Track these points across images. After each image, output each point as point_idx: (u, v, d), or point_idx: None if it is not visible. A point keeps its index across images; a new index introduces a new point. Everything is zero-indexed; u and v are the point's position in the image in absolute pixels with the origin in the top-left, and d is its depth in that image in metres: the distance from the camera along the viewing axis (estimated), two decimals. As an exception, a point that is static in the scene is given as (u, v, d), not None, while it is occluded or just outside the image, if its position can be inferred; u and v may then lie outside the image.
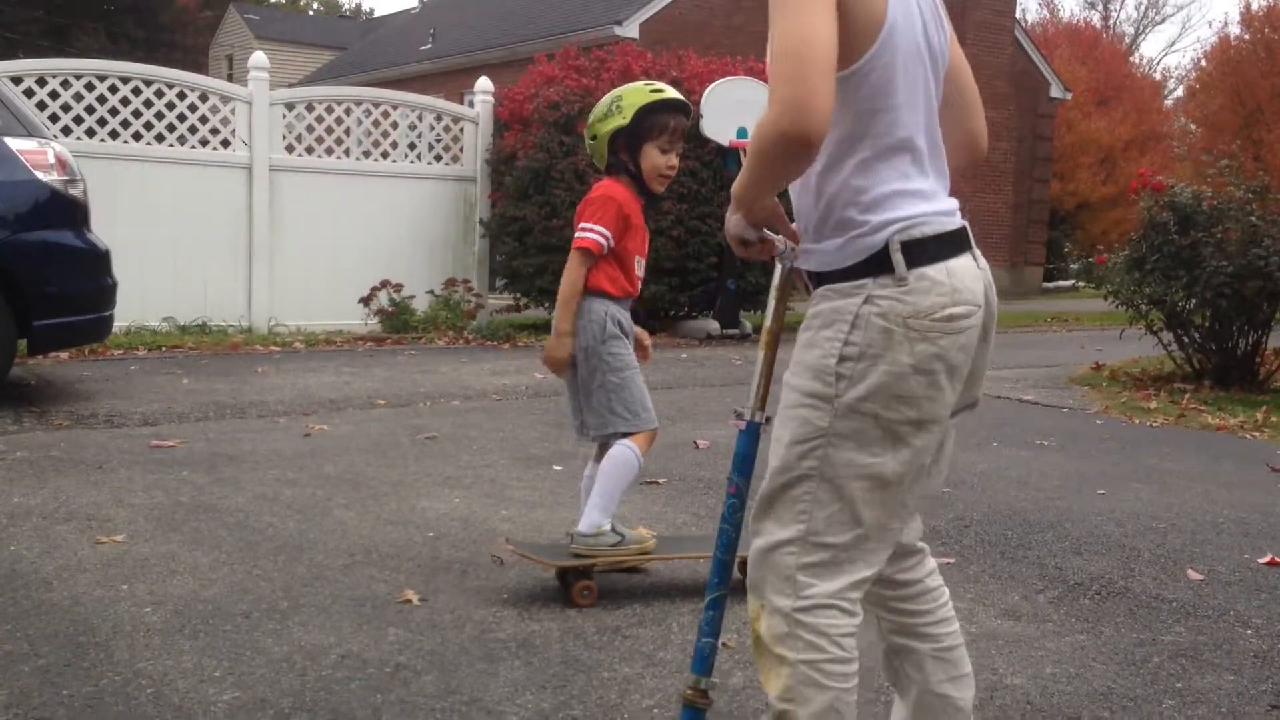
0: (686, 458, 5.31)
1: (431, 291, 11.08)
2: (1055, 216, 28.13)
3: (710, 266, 11.51)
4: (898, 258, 1.76)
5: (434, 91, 16.12)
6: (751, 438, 1.99)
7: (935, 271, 1.78)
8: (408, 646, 2.84)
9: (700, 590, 3.23)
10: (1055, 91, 24.56)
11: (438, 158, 11.78)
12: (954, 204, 1.88)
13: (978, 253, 1.90)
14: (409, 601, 3.16)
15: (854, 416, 1.78)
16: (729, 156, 11.24)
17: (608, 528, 3.28)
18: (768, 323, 2.04)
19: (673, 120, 3.32)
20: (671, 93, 3.31)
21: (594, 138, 3.35)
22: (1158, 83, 42.06)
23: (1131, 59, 41.39)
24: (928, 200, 1.82)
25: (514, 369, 8.63)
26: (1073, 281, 25.46)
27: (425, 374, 8.15)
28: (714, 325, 11.43)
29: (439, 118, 11.79)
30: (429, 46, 24.84)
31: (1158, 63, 56.43)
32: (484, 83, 12.17)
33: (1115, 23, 47.96)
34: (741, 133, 11.03)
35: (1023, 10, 49.15)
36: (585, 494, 3.40)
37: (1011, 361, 10.08)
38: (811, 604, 1.82)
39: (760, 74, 11.85)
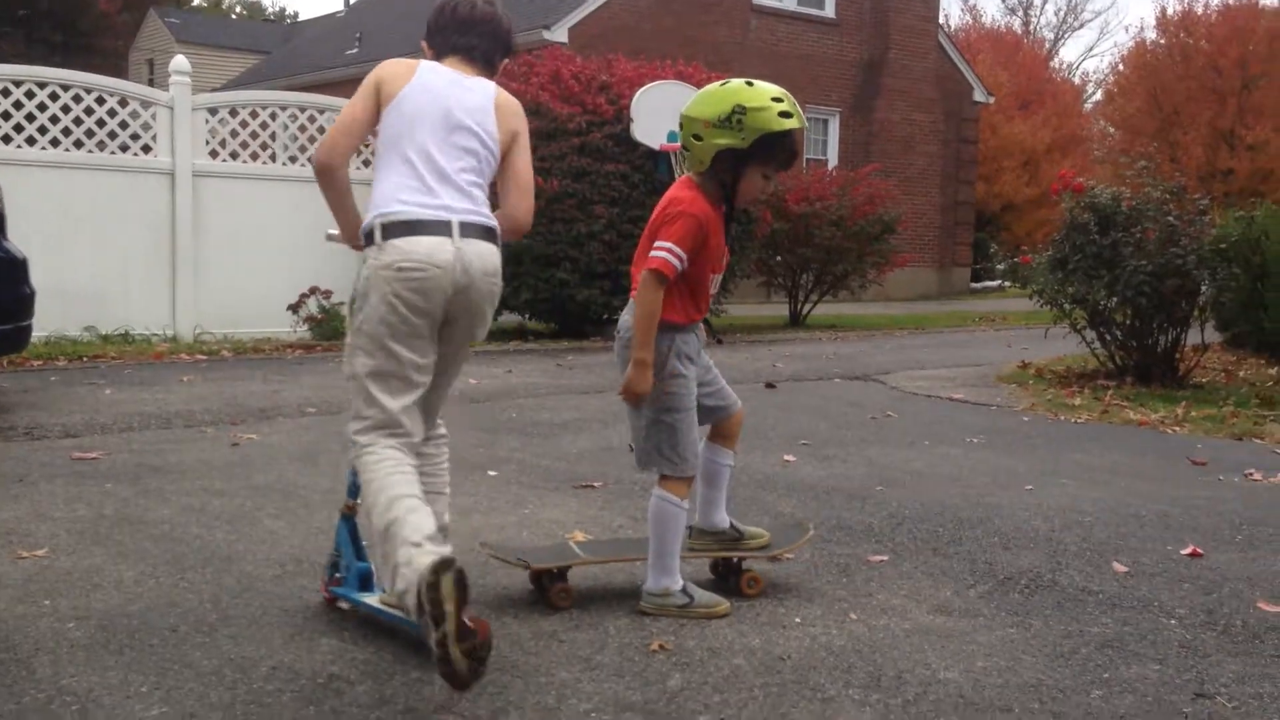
0: (622, 461, 5.31)
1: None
2: (981, 218, 28.60)
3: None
4: (377, 234, 2.78)
5: (361, 96, 15.91)
6: None
7: (400, 242, 2.76)
8: (340, 656, 2.80)
9: (636, 593, 3.23)
10: (979, 96, 24.96)
11: (366, 163, 11.66)
12: (444, 204, 2.81)
13: (463, 240, 2.79)
14: (342, 611, 3.12)
15: (359, 334, 2.83)
16: (660, 160, 11.27)
17: (676, 589, 3.11)
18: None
19: (789, 148, 3.06)
20: (799, 119, 3.02)
21: (697, 137, 3.05)
22: (1078, 87, 43.01)
23: (1052, 64, 42.23)
24: (414, 202, 2.80)
25: (446, 375, 8.56)
26: (999, 282, 25.87)
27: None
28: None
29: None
30: (355, 51, 24.61)
31: (1077, 67, 57.60)
32: (412, 87, 12.06)
33: (1036, 28, 48.97)
34: (672, 136, 11.06)
35: (946, 16, 50.01)
36: (702, 478, 3.30)
37: (941, 361, 10.23)
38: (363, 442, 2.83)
39: (689, 77, 11.91)
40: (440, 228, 2.77)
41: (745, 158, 3.04)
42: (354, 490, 3.01)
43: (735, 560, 3.43)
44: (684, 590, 3.13)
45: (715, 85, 3.10)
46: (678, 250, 3.01)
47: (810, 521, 4.03)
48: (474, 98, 2.95)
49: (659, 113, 10.98)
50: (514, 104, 3.03)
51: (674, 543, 3.14)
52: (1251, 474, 5.31)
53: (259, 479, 4.78)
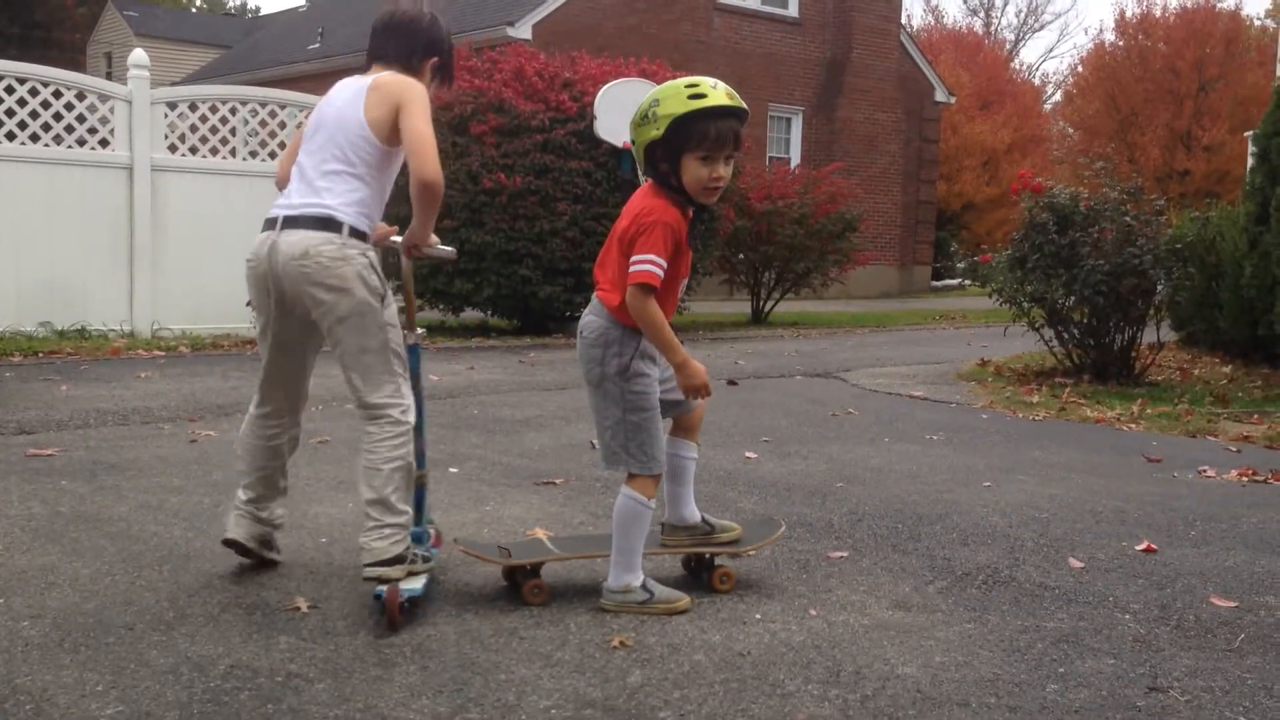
0: (583, 458, 5.31)
1: (322, 294, 10.87)
2: (942, 217, 28.84)
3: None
4: None
5: (323, 91, 15.81)
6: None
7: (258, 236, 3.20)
8: (299, 654, 2.78)
9: (597, 590, 3.24)
10: (940, 96, 25.16)
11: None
12: (289, 203, 3.19)
13: (279, 233, 3.14)
14: (299, 609, 3.10)
15: None
16: (623, 157, 11.27)
17: (637, 584, 3.13)
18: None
19: (714, 128, 3.01)
20: (715, 96, 3.00)
21: (632, 142, 3.10)
22: (1038, 88, 43.42)
23: (1012, 64, 42.64)
24: (281, 201, 3.23)
25: (408, 372, 8.52)
26: (959, 280, 26.12)
27: (317, 377, 7.96)
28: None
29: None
30: (317, 45, 24.44)
31: (1037, 68, 58.13)
32: (375, 82, 12.00)
33: (996, 29, 49.40)
34: (635, 134, 11.06)
35: (908, 16, 50.32)
36: (667, 473, 3.30)
37: (902, 358, 10.30)
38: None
39: (653, 75, 11.91)
40: (270, 224, 3.19)
41: (670, 147, 3.03)
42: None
43: (707, 556, 3.44)
44: (644, 586, 3.15)
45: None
46: (658, 260, 3.01)
47: (780, 517, 4.05)
48: (346, 94, 3.26)
49: (622, 110, 10.96)
50: (394, 82, 3.23)
51: (638, 540, 3.16)
52: (1205, 471, 5.39)
53: (217, 476, 4.74)
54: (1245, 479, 5.23)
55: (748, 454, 5.54)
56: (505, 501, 4.43)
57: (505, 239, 11.07)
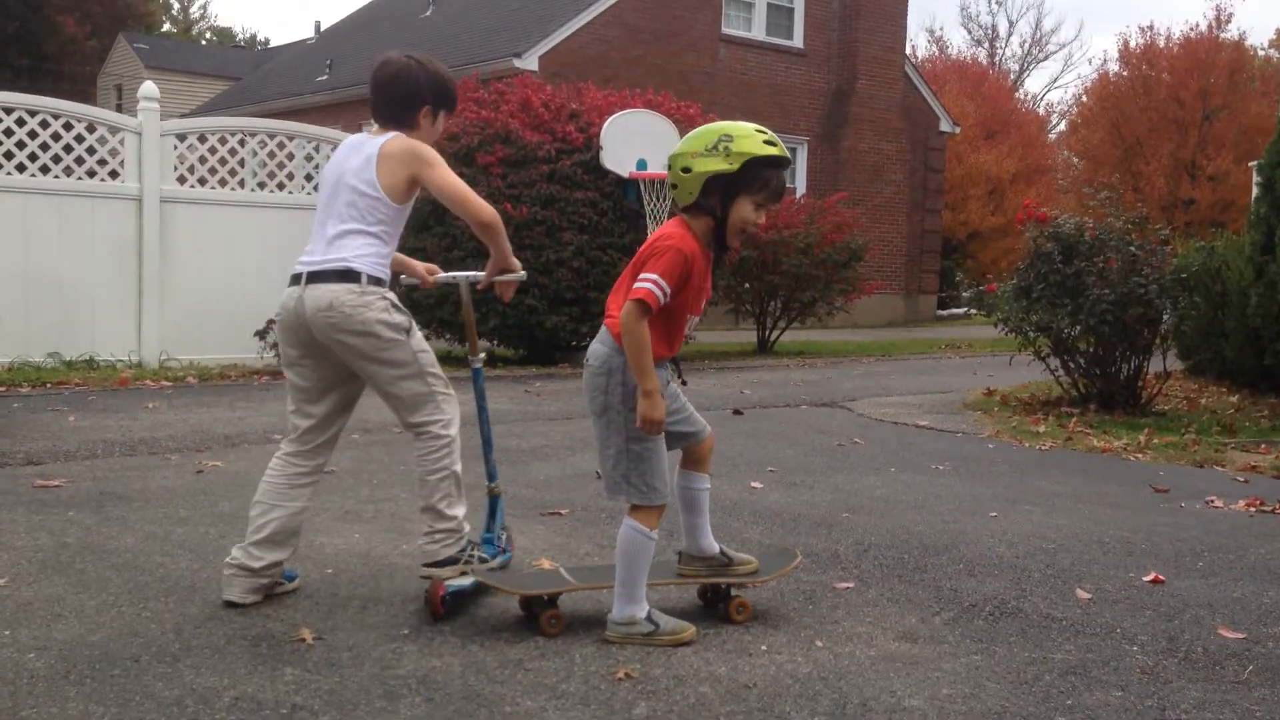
0: (589, 488, 5.31)
1: (329, 324, 10.90)
2: (948, 246, 28.87)
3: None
4: None
5: (331, 123, 15.96)
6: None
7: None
8: (304, 686, 2.78)
9: (603, 622, 3.23)
10: (945, 126, 25.23)
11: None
12: (310, 260, 3.45)
13: (304, 288, 3.41)
14: (305, 640, 3.10)
15: None
16: (629, 188, 11.32)
17: (641, 616, 3.14)
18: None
19: (777, 178, 3.15)
20: (781, 149, 3.15)
21: (686, 170, 3.12)
22: (1042, 117, 43.54)
23: (1017, 94, 42.76)
24: (304, 257, 3.49)
25: (414, 402, 8.53)
26: (965, 309, 26.12)
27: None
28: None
29: (336, 149, 11.66)
30: (325, 77, 24.59)
31: (1041, 98, 58.25)
32: (381, 114, 12.08)
33: (1001, 60, 49.59)
34: (641, 164, 11.12)
35: (913, 47, 50.54)
36: (682, 505, 3.43)
37: (908, 388, 10.29)
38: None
39: (659, 106, 11.98)
40: (295, 279, 3.47)
41: (734, 184, 3.11)
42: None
43: (723, 586, 3.45)
44: (649, 618, 3.15)
45: (702, 127, 3.22)
46: (662, 283, 3.04)
47: (797, 548, 4.05)
48: (357, 160, 3.50)
49: (628, 141, 11.05)
50: (402, 152, 3.47)
51: (640, 572, 3.16)
52: (1212, 501, 5.37)
53: (224, 506, 4.75)
54: (1253, 509, 5.21)
55: (753, 484, 5.53)
56: (511, 532, 4.42)
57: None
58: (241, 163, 11.10)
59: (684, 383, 3.38)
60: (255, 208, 10.90)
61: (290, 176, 11.30)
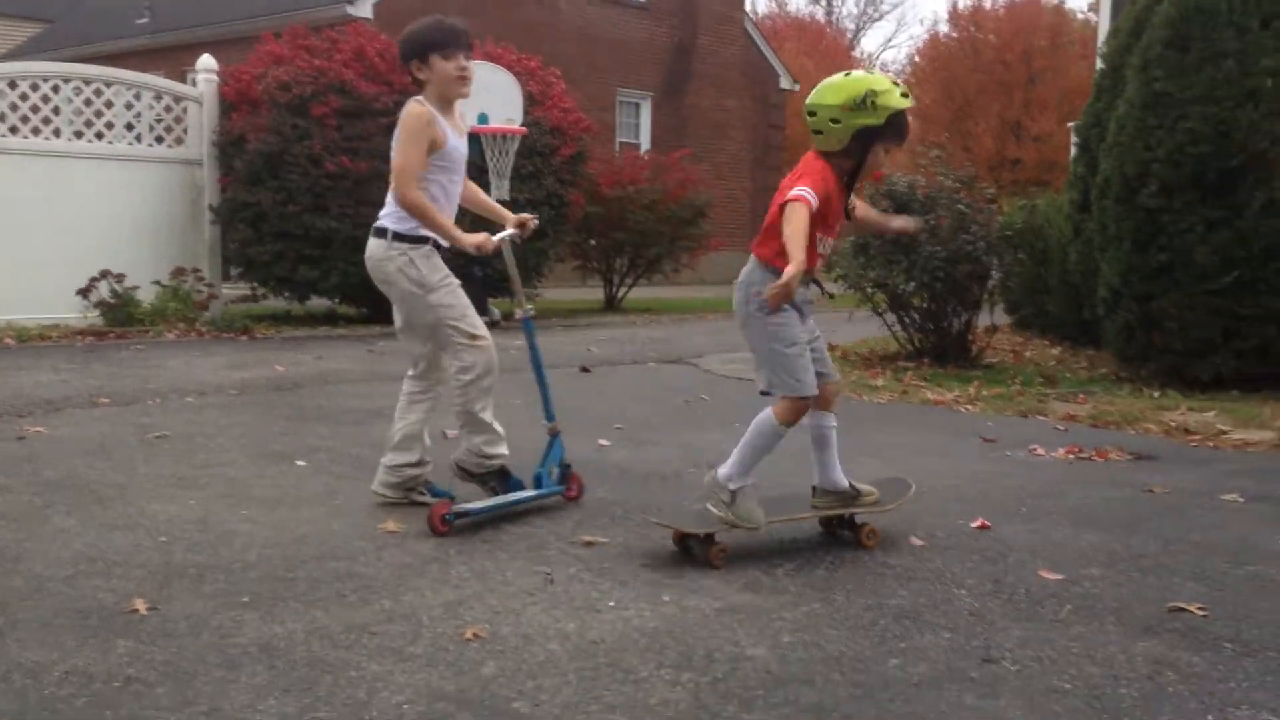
0: (438, 447, 5.25)
1: (159, 282, 10.50)
2: (788, 203, 29.32)
3: (458, 254, 11.40)
4: None
5: (154, 69, 15.24)
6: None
7: None
8: (139, 658, 2.69)
9: (449, 582, 3.22)
10: (785, 83, 25.60)
11: (159, 139, 11.16)
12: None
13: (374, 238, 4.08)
14: (138, 611, 3.00)
15: None
16: (470, 143, 11.12)
17: (734, 487, 3.57)
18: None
19: (907, 126, 3.57)
20: (913, 97, 3.58)
21: (835, 120, 3.47)
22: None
23: (854, 53, 43.65)
24: None
25: (253, 361, 8.30)
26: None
27: (154, 369, 7.72)
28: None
29: (159, 97, 11.16)
30: (146, 21, 23.40)
31: (877, 58, 59.57)
32: (207, 60, 11.60)
33: (838, 18, 50.45)
34: (482, 118, 10.96)
35: (752, 4, 50.90)
36: (813, 442, 3.83)
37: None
38: None
39: (499, 58, 11.81)
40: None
41: (877, 134, 3.51)
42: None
43: (849, 516, 3.86)
44: (736, 491, 3.56)
45: (839, 76, 3.57)
46: (812, 192, 3.44)
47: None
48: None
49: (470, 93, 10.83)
50: (401, 115, 3.99)
51: (757, 455, 3.62)
52: (1035, 449, 5.64)
53: (48, 474, 4.54)
54: (1071, 456, 5.50)
55: (601, 441, 5.56)
56: (356, 494, 4.35)
57: (352, 225, 10.81)
58: (56, 110, 10.50)
59: (830, 296, 4.10)
60: (72, 158, 10.35)
61: (110, 126, 10.74)
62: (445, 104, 4.06)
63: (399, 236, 3.96)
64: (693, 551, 3.63)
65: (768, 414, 3.63)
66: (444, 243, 4.02)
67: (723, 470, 3.62)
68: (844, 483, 3.85)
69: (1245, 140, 7.03)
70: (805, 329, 3.68)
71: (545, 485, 4.16)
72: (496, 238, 4.13)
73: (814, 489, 3.89)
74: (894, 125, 3.52)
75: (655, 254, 15.16)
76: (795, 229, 3.40)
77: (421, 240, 3.97)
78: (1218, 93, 7.10)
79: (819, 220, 3.50)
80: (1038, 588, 3.40)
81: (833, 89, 3.52)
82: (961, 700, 2.55)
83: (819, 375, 3.71)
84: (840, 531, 3.90)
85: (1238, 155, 7.06)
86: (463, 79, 4.05)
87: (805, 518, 3.90)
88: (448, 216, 4.03)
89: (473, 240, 3.98)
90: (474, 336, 4.03)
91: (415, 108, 3.95)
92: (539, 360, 4.29)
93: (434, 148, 3.94)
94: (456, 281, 4.09)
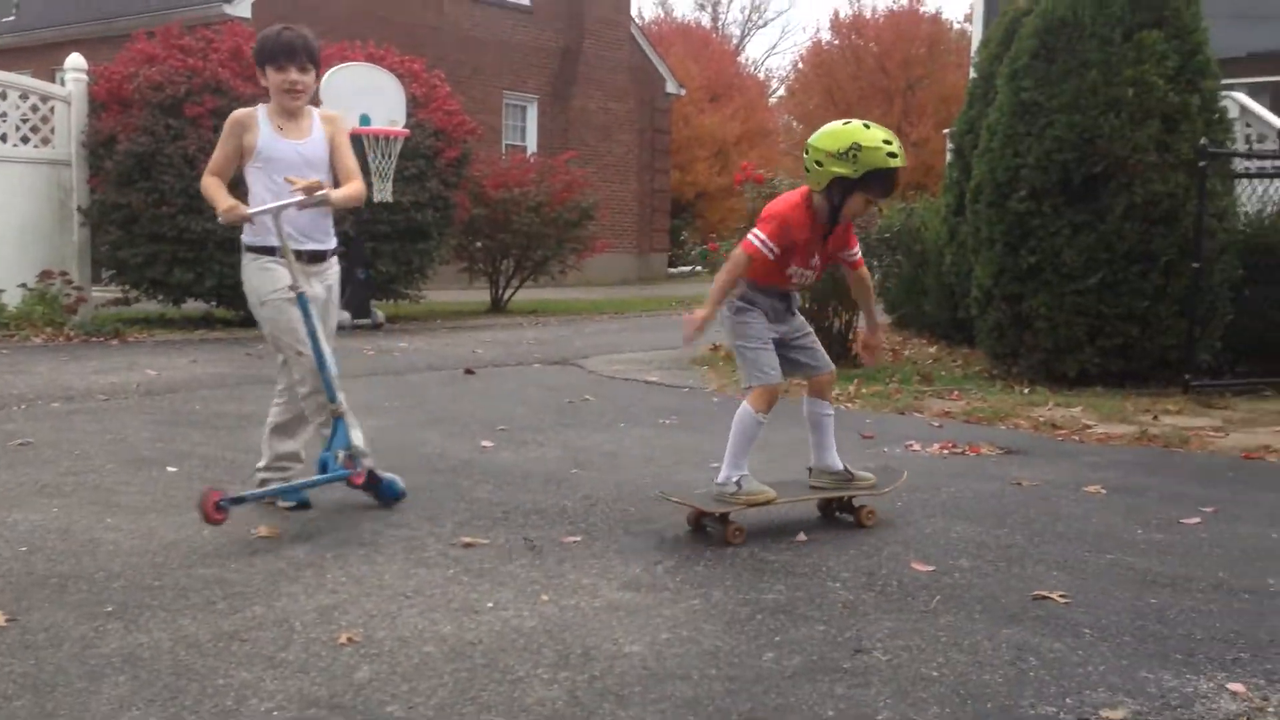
0: (310, 453, 5.15)
1: (24, 285, 10.14)
2: (677, 206, 29.56)
3: (340, 256, 11.22)
4: None
5: (20, 68, 14.71)
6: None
7: None
8: (-5, 673, 2.59)
9: (324, 587, 3.17)
10: (671, 87, 25.78)
11: (24, 139, 10.77)
12: None
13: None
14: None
15: None
16: (353, 143, 10.96)
17: (734, 479, 3.86)
18: None
19: (890, 184, 3.78)
20: (901, 159, 3.69)
21: (819, 163, 3.73)
22: (763, 82, 45.13)
23: (739, 59, 44.14)
24: None
25: (124, 366, 8.05)
26: (693, 267, 26.90)
27: (18, 374, 7.44)
28: (345, 316, 11.16)
29: (24, 96, 10.77)
30: (12, 19, 22.54)
31: (762, 64, 60.48)
32: (76, 59, 11.24)
33: (723, 24, 50.98)
34: (364, 120, 10.83)
35: (638, 9, 51.17)
36: (809, 426, 4.13)
37: (638, 345, 10.52)
38: None
39: (381, 60, 11.67)
40: None
41: (855, 185, 3.74)
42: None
43: (847, 499, 4.13)
44: (738, 482, 3.84)
45: (838, 123, 3.80)
46: (762, 239, 3.78)
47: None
48: None
49: (349, 95, 10.69)
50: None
51: (744, 446, 3.90)
52: (911, 445, 5.78)
53: (-101, 485, 4.34)
54: (945, 451, 5.64)
55: (484, 443, 5.53)
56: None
57: (228, 227, 10.58)
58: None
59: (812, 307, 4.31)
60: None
61: (-26, 124, 10.33)
62: (285, 112, 4.13)
63: (247, 246, 4.13)
64: (708, 531, 3.91)
65: (744, 407, 3.92)
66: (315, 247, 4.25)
67: (719, 476, 3.91)
68: (839, 464, 4.13)
69: (1108, 147, 7.30)
70: (791, 328, 4.05)
71: (331, 469, 4.07)
72: (254, 210, 4.05)
73: (809, 470, 4.19)
74: (874, 180, 3.74)
75: (542, 256, 15.12)
76: (720, 278, 3.84)
77: (264, 251, 4.07)
78: (1082, 101, 7.37)
79: (788, 256, 3.83)
80: (909, 579, 3.48)
81: (827, 134, 3.78)
82: (833, 690, 2.60)
83: (811, 367, 4.09)
84: (839, 514, 4.17)
85: (1101, 162, 7.33)
86: (290, 93, 4.10)
87: (808, 499, 4.17)
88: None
89: (221, 206, 4.00)
90: (296, 349, 4.08)
91: (234, 113, 4.16)
92: (317, 338, 4.04)
93: (247, 149, 4.09)
94: (291, 297, 3.99)
